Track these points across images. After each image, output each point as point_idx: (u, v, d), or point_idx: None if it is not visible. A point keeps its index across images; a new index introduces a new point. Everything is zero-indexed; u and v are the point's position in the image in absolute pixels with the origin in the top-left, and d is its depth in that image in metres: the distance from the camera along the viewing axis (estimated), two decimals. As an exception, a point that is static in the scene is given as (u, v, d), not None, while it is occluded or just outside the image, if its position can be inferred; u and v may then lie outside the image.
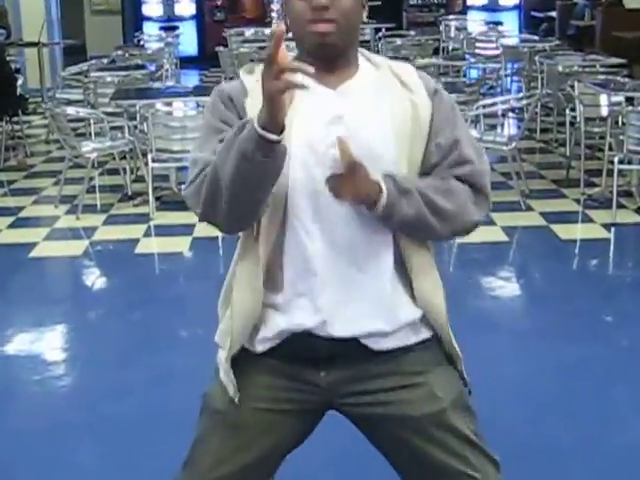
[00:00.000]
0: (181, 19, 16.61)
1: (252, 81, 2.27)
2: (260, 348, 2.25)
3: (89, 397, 4.38)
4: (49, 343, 5.05)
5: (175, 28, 15.66)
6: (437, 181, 2.22)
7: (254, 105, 2.13)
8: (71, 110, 8.03)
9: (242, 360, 2.29)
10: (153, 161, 7.17)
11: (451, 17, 15.49)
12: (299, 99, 2.18)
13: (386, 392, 2.24)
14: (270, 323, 2.25)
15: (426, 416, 2.26)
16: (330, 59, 2.22)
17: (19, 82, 10.37)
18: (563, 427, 3.87)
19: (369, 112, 2.21)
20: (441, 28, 14.51)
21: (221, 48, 12.07)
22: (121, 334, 5.07)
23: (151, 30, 15.77)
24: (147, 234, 6.76)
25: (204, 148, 2.22)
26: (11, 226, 7.06)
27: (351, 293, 2.23)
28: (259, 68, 2.17)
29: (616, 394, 4.23)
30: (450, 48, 13.22)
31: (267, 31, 14.35)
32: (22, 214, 7.39)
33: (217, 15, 16.67)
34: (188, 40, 15.89)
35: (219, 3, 16.63)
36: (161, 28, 15.83)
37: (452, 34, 13.99)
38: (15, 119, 9.91)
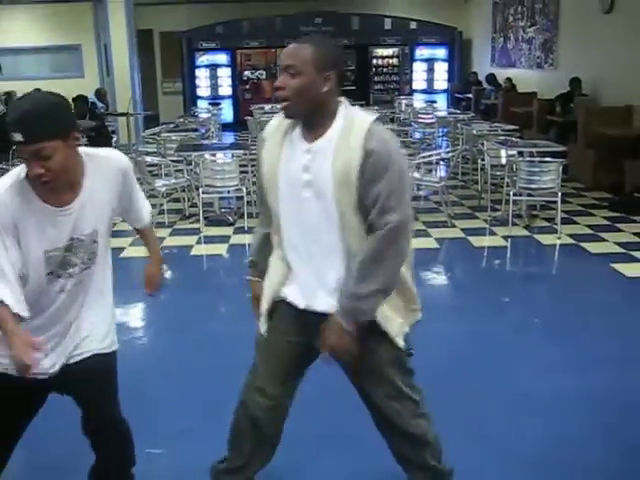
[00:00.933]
0: (222, 97, 16.48)
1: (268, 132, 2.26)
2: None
3: (162, 352, 4.36)
4: (133, 315, 5.02)
5: (218, 104, 15.55)
6: (366, 261, 2.10)
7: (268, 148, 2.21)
8: (148, 158, 7.96)
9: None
10: (203, 193, 7.13)
11: (402, 97, 15.44)
12: (287, 149, 2.18)
13: None
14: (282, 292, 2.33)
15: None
16: (302, 121, 2.17)
17: (114, 139, 10.32)
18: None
19: (325, 163, 2.11)
20: (395, 104, 14.48)
21: (249, 117, 12.03)
22: (182, 309, 5.04)
23: (202, 105, 15.68)
24: (198, 242, 6.72)
25: None
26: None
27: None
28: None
29: (507, 350, 4.23)
30: (401, 118, 13.18)
31: (278, 106, 14.29)
32: (116, 228, 7.33)
33: (246, 95, 16.56)
34: (227, 112, 15.81)
35: (247, 87, 16.55)
36: (209, 103, 15.72)
37: (403, 108, 13.94)
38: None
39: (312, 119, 2.16)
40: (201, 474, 2.62)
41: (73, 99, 9.19)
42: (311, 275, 2.27)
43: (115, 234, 7.60)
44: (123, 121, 13.02)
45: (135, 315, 5.02)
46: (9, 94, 13.99)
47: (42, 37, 15.98)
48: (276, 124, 2.27)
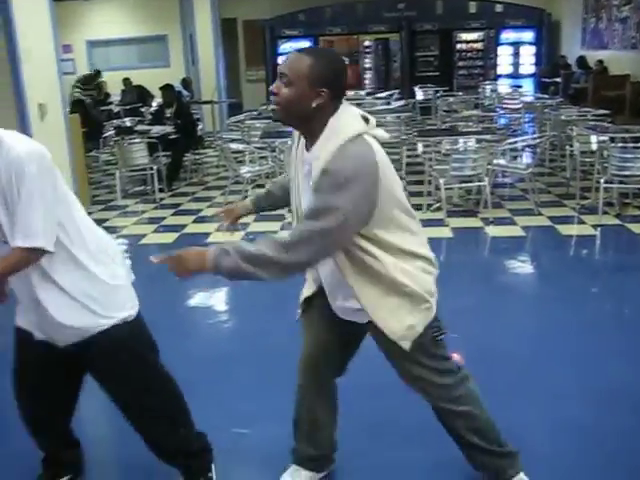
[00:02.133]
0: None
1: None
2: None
3: (243, 334, 4.47)
4: (217, 299, 5.15)
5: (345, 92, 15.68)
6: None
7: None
8: (233, 145, 8.11)
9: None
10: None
11: (487, 82, 15.18)
12: (297, 151, 2.28)
13: None
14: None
15: None
16: (296, 128, 2.25)
17: (199, 127, 10.54)
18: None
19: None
20: (480, 90, 14.25)
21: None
22: (266, 294, 5.14)
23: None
24: (282, 228, 6.82)
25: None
26: (194, 222, 7.21)
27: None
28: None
29: (594, 341, 4.12)
30: (486, 104, 12.96)
31: (362, 92, 14.27)
32: (201, 214, 7.54)
33: (328, 82, 16.61)
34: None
35: (330, 74, 16.59)
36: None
37: (487, 94, 13.71)
38: (197, 151, 10.11)
39: (303, 129, 2.21)
40: (283, 454, 2.72)
41: (161, 88, 9.44)
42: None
43: (201, 219, 7.73)
44: (208, 109, 13.31)
45: (220, 299, 5.15)
46: (100, 84, 14.49)
47: (130, 28, 16.46)
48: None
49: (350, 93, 13.72)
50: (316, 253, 2.12)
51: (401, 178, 7.87)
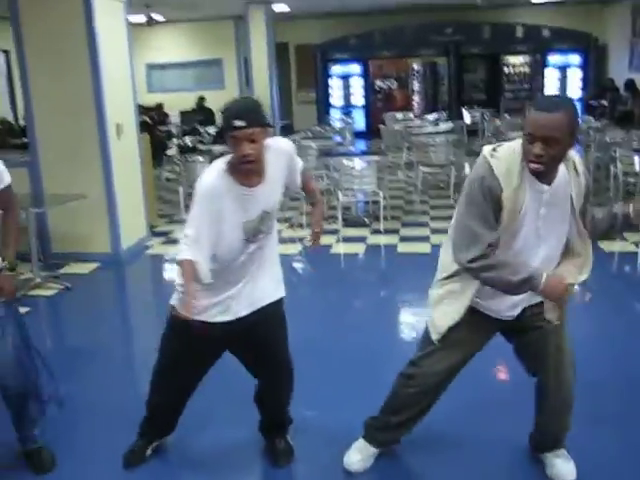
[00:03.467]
0: (354, 107, 17.10)
1: (503, 169, 2.45)
2: None
3: (307, 337, 4.89)
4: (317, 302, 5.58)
5: (351, 112, 16.18)
6: None
7: (508, 198, 2.44)
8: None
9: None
10: (342, 196, 7.69)
11: (533, 105, 15.44)
12: (525, 194, 2.58)
13: None
14: None
15: None
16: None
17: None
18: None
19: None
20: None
21: (381, 126, 12.50)
22: (323, 302, 5.57)
23: (334, 114, 16.34)
24: (337, 241, 7.26)
25: (478, 229, 2.47)
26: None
27: None
28: (502, 149, 2.53)
29: None
30: (533, 126, 13.21)
31: (410, 115, 14.71)
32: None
33: (378, 104, 17.08)
34: (359, 120, 16.39)
35: (379, 96, 17.06)
36: (341, 112, 16.36)
37: (534, 116, 13.96)
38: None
39: (552, 172, 2.51)
40: (348, 432, 3.18)
41: (220, 111, 10.00)
42: None
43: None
44: (262, 130, 13.87)
45: (320, 303, 5.57)
46: (159, 105, 15.19)
47: (187, 52, 17.22)
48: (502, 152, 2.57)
49: (399, 115, 14.20)
50: None
51: (449, 197, 8.27)
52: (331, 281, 6.16)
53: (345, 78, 17.22)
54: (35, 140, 6.79)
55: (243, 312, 2.87)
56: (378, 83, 17.22)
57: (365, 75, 17.19)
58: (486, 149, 2.55)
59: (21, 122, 11.93)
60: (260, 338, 2.98)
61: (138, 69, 17.08)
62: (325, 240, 7.23)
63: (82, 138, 6.62)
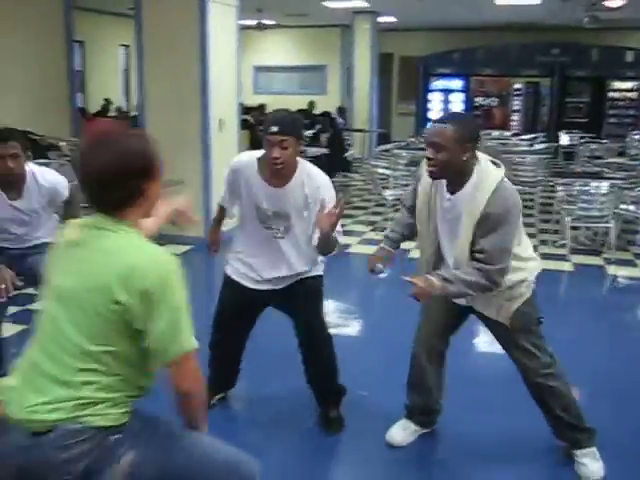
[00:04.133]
0: (452, 121, 17.23)
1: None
2: None
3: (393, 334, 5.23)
4: (352, 301, 5.92)
5: (479, 136, 16.30)
6: None
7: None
8: (380, 170, 8.95)
9: None
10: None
11: (636, 132, 15.21)
12: (433, 199, 3.00)
13: None
14: None
15: None
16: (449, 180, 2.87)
17: (349, 152, 11.49)
18: None
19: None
20: (627, 139, 14.34)
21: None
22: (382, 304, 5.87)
23: (432, 127, 16.52)
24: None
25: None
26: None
27: None
28: None
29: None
30: (632, 152, 13.10)
31: (507, 133, 14.77)
32: (346, 228, 8.38)
33: (477, 121, 17.17)
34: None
35: (478, 113, 17.12)
36: (439, 125, 16.49)
37: (635, 143, 13.80)
38: (345, 173, 11.06)
39: (455, 180, 2.83)
40: (396, 409, 3.50)
41: (320, 115, 10.49)
42: None
43: (346, 233, 8.62)
44: (358, 136, 14.31)
45: (353, 301, 5.94)
46: (262, 106, 15.82)
47: (294, 57, 17.85)
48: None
49: (495, 133, 14.30)
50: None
51: (532, 216, 8.38)
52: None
53: (445, 92, 17.40)
54: (145, 129, 7.40)
55: (261, 286, 3.41)
56: (478, 100, 17.31)
57: (465, 91, 17.33)
58: None
59: (131, 113, 12.79)
60: (290, 306, 3.46)
61: (245, 70, 17.92)
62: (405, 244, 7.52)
63: (186, 130, 7.20)
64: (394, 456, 3.37)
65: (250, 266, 3.40)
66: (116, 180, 1.83)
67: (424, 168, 2.93)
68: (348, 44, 15.36)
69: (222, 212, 3.63)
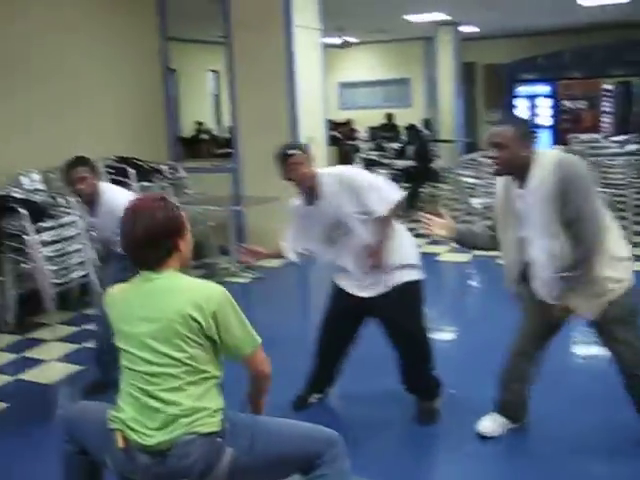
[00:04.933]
0: (540, 127, 17.09)
1: None
2: None
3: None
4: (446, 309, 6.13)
5: (536, 132, 16.21)
6: None
7: None
8: (466, 179, 9.10)
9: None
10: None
11: None
12: (507, 196, 3.25)
13: None
14: None
15: None
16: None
17: (436, 163, 11.65)
18: None
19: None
20: None
21: (561, 146, 12.54)
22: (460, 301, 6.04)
23: (520, 133, 16.42)
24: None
25: None
26: (428, 244, 8.29)
27: None
28: None
29: None
30: None
31: (596, 135, 14.55)
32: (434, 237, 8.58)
33: (565, 125, 16.98)
34: (545, 141, 16.41)
35: (567, 117, 16.94)
36: (528, 132, 16.38)
37: None
38: (433, 184, 11.24)
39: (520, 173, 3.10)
40: (483, 404, 3.70)
41: (406, 128, 10.74)
42: None
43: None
44: (445, 146, 14.46)
45: (444, 305, 6.14)
46: (349, 121, 16.14)
47: (377, 72, 18.14)
48: None
49: (584, 137, 14.13)
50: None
51: (625, 218, 8.30)
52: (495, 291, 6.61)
53: (532, 98, 17.29)
54: (238, 150, 7.86)
55: (360, 292, 3.72)
56: (566, 103, 17.11)
57: (553, 95, 17.16)
58: None
59: (218, 134, 13.38)
60: (384, 313, 3.73)
61: (331, 87, 18.35)
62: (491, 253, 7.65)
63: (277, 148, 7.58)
64: (485, 449, 3.57)
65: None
66: (150, 243, 2.28)
67: (498, 181, 3.27)
68: (431, 56, 15.55)
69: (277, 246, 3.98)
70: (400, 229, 3.82)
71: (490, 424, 3.64)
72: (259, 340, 2.40)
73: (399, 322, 3.72)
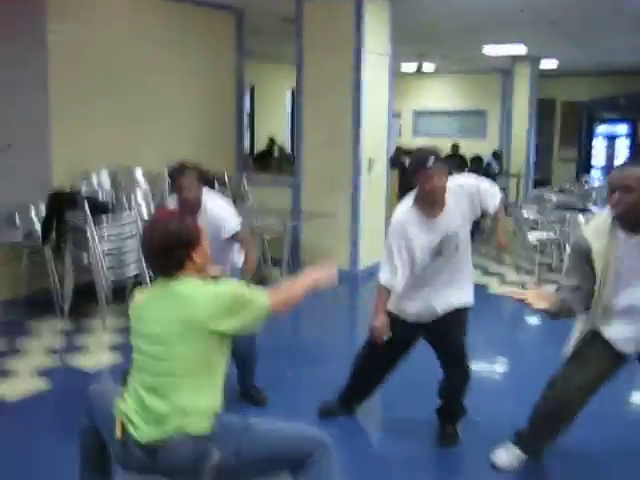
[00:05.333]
0: (616, 168, 16.80)
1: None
2: None
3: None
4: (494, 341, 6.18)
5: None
6: None
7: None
8: (526, 214, 9.06)
9: None
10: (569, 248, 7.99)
11: None
12: (613, 244, 3.13)
13: None
14: None
15: None
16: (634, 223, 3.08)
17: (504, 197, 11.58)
18: None
19: None
20: None
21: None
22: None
23: (595, 174, 16.21)
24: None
25: None
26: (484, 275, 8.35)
27: None
28: None
29: None
30: None
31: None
32: (491, 270, 8.64)
33: (642, 166, 16.62)
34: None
35: (645, 156, 16.59)
36: (602, 173, 16.17)
37: None
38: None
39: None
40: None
41: (471, 159, 10.78)
42: None
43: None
44: (515, 181, 14.40)
45: (492, 338, 6.17)
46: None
47: (454, 102, 18.21)
48: None
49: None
50: None
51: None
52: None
53: (610, 138, 17.03)
54: (300, 166, 8.09)
55: (427, 317, 3.76)
56: (645, 145, 16.79)
57: (632, 136, 16.87)
58: None
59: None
60: (439, 335, 3.79)
61: (406, 114, 18.54)
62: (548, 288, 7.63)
63: (338, 167, 7.81)
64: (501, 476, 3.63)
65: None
66: (163, 252, 2.49)
67: (588, 237, 3.17)
68: (508, 89, 15.52)
69: (385, 295, 3.68)
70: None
71: (504, 455, 3.68)
72: (266, 301, 2.54)
73: (454, 340, 3.80)
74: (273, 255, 7.87)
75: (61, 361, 5.19)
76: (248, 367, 4.34)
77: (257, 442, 2.45)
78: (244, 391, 4.40)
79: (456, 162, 14.69)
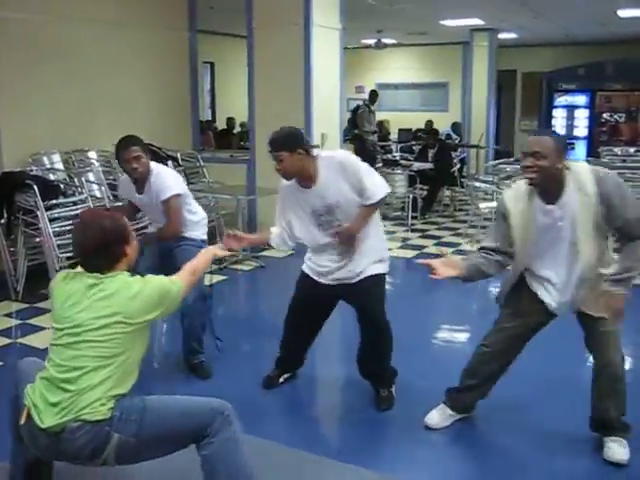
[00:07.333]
0: (576, 138, 17.05)
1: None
2: None
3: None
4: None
5: (572, 144, 16.22)
6: None
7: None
8: (477, 184, 9.28)
9: None
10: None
11: None
12: (530, 212, 3.26)
13: None
14: None
15: None
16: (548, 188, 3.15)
17: (454, 168, 11.81)
18: None
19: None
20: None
21: (589, 158, 12.59)
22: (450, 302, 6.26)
23: (555, 143, 16.40)
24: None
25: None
26: (434, 244, 8.56)
27: None
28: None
29: None
30: None
31: (631, 150, 14.50)
32: (442, 239, 8.87)
33: (602, 137, 16.94)
34: (580, 152, 16.40)
35: (604, 129, 16.90)
36: (564, 144, 16.36)
37: None
38: (451, 188, 11.43)
39: (554, 187, 3.12)
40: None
41: (427, 131, 10.94)
42: None
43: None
44: (474, 152, 14.60)
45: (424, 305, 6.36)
46: (382, 122, 16.31)
47: (415, 74, 18.35)
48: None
49: (616, 150, 14.11)
50: None
51: None
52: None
53: (570, 108, 17.27)
54: (254, 143, 8.20)
55: (333, 282, 3.95)
56: (604, 115, 17.04)
57: (591, 107, 17.13)
58: None
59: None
60: (356, 301, 3.98)
61: (369, 87, 18.62)
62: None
63: (290, 143, 7.89)
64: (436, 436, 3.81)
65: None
66: (100, 251, 2.59)
67: (507, 201, 3.29)
68: (469, 60, 15.68)
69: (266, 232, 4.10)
70: (380, 223, 4.07)
71: (437, 416, 3.87)
72: (179, 286, 2.75)
73: (369, 309, 3.96)
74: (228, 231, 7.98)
75: (12, 340, 5.29)
76: (193, 339, 4.49)
77: (156, 421, 2.55)
78: (188, 362, 4.57)
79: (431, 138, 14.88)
